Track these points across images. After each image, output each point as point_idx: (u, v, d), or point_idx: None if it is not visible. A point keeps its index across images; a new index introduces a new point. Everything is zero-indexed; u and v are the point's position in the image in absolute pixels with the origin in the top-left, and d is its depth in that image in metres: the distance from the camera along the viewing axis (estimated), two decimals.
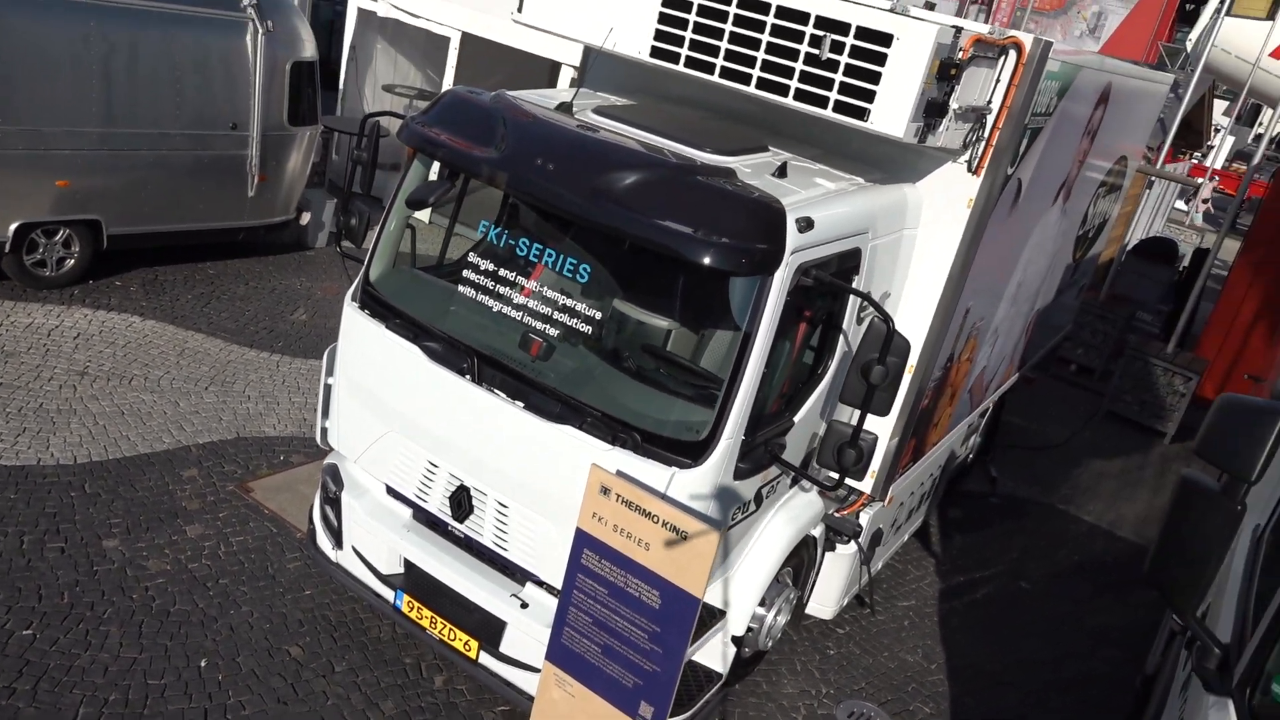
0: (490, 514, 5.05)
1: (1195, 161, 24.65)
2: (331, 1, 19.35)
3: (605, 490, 3.78)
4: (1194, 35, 19.40)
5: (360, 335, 5.39)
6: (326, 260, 11.22)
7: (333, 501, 5.70)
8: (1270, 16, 14.71)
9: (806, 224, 4.59)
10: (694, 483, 4.53)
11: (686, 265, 4.46)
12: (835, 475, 4.82)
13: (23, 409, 7.19)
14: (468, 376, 4.95)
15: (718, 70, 5.17)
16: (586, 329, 4.81)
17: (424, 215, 5.66)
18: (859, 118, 4.86)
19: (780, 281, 4.50)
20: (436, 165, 5.17)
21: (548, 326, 4.87)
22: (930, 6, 6.72)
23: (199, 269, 10.32)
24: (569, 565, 4.08)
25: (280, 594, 5.95)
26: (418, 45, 13.77)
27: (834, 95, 4.88)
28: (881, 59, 4.74)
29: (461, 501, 5.12)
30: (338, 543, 5.72)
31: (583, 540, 3.98)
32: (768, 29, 4.99)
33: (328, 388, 5.67)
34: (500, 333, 5.01)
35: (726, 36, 5.11)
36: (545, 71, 11.67)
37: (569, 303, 4.83)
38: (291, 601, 5.92)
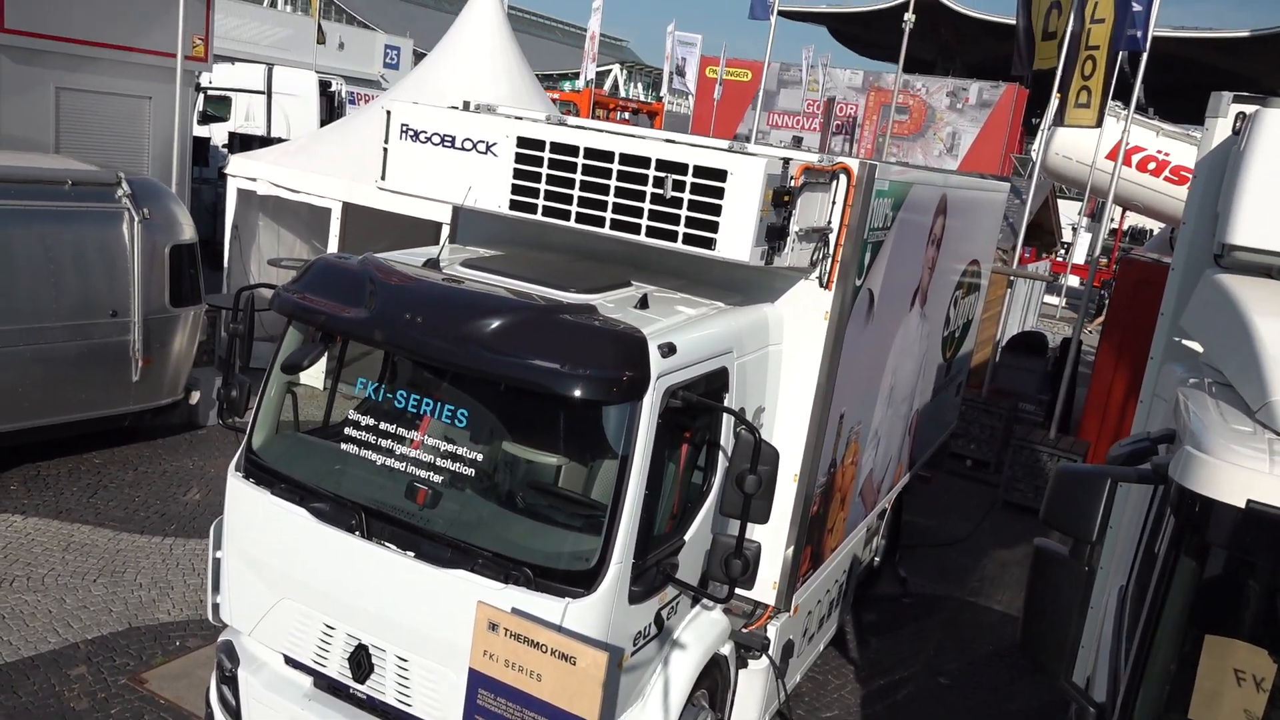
0: (391, 670, 4.98)
1: (1058, 259, 26.39)
2: (212, 184, 19.69)
3: (493, 626, 3.83)
4: (1035, 146, 21.10)
5: (246, 504, 5.38)
6: (219, 437, 11.08)
7: (229, 680, 5.53)
8: (1099, 124, 16.18)
9: (669, 349, 4.85)
10: (588, 611, 4.59)
11: (559, 400, 4.65)
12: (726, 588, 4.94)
13: None
14: (356, 532, 4.98)
15: (573, 216, 5.49)
16: (470, 472, 4.92)
17: (310, 379, 5.74)
18: (707, 247, 5.20)
19: (650, 405, 4.71)
20: (311, 330, 5.31)
21: (432, 474, 4.97)
22: (798, 141, 7.19)
23: (84, 459, 10.08)
24: (465, 707, 4.07)
25: None
26: (300, 218, 14.06)
27: (681, 229, 5.23)
28: (720, 193, 5.12)
29: (361, 661, 5.05)
30: None
31: (477, 680, 3.99)
32: (614, 175, 5.36)
33: (216, 561, 5.59)
34: (386, 486, 5.08)
35: (578, 185, 5.46)
36: (431, 232, 12.02)
37: (450, 448, 4.94)
38: None
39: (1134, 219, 35.97)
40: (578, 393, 4.51)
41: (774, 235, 5.34)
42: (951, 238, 8.71)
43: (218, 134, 23.12)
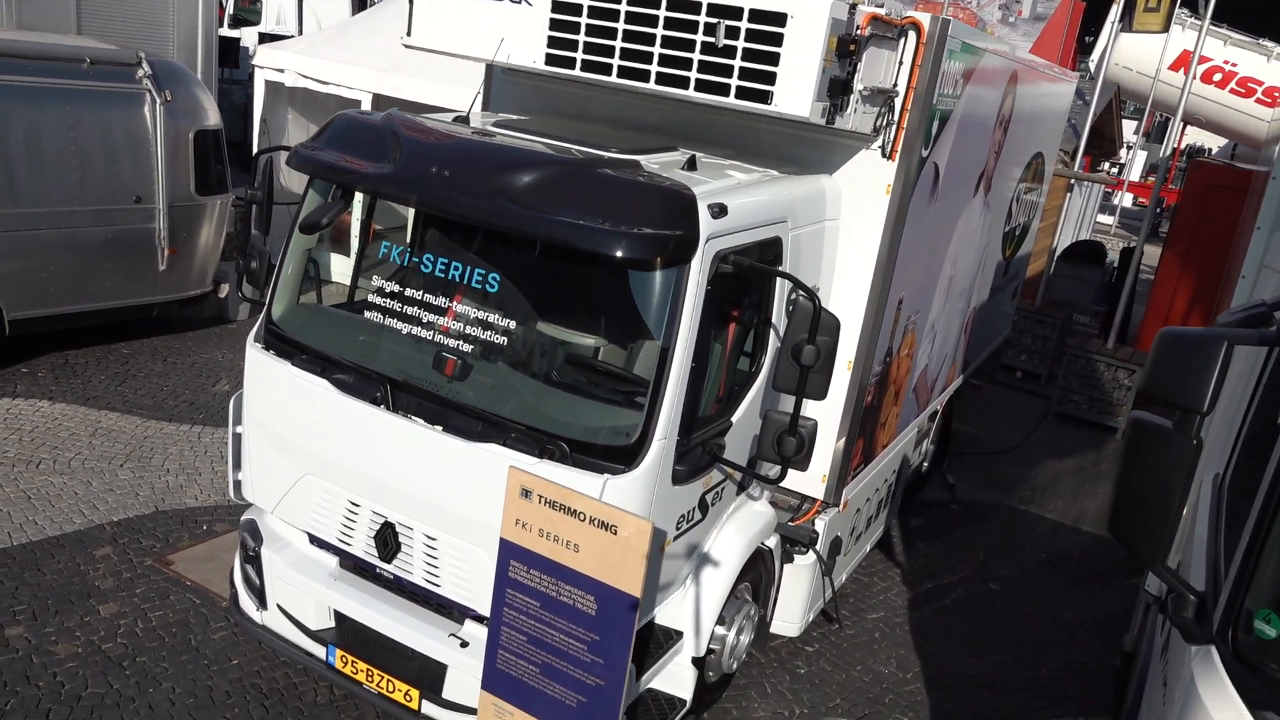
0: (419, 549, 4.71)
1: (1112, 174, 25.30)
2: (242, 85, 19.22)
3: (526, 493, 3.50)
4: (1094, 57, 19.98)
5: (265, 376, 5.07)
6: (250, 330, 10.82)
7: (253, 559, 5.31)
8: (1166, 29, 15.16)
9: (720, 210, 4.41)
10: (629, 488, 4.25)
11: (599, 262, 4.25)
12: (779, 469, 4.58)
13: None
14: (381, 405, 4.66)
15: (615, 71, 5.02)
16: (502, 341, 4.56)
17: (332, 245, 5.38)
18: (762, 101, 4.73)
19: (698, 270, 4.30)
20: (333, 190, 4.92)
21: (461, 343, 4.61)
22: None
23: (112, 349, 9.89)
24: (496, 581, 3.77)
25: (204, 667, 5.51)
26: (329, 111, 13.54)
27: (734, 82, 4.75)
28: (778, 39, 4.63)
29: (387, 540, 4.78)
30: (261, 603, 5.31)
31: (508, 551, 3.68)
32: (661, 23, 4.86)
33: (237, 437, 5.32)
34: (413, 356, 4.74)
35: (620, 35, 4.97)
36: None
37: (481, 315, 4.58)
38: (217, 673, 5.47)
39: (1192, 136, 34.47)
40: (619, 253, 4.10)
41: (837, 90, 4.85)
42: (1019, 122, 8.10)
43: (248, 37, 22.55)
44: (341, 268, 5.44)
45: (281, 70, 12.78)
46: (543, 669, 3.70)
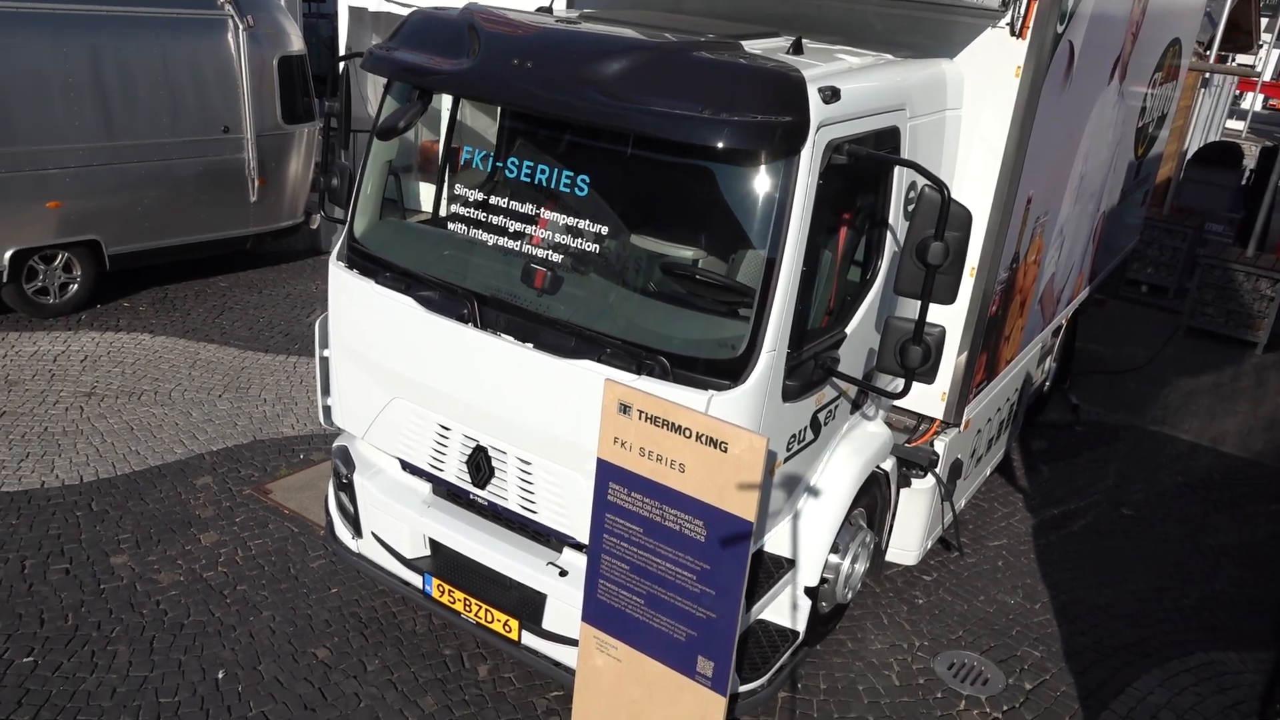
0: (512, 474, 4.46)
1: (1250, 71, 23.35)
2: (329, 19, 19.04)
3: (625, 408, 3.16)
4: None
5: (349, 296, 4.84)
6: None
7: (346, 486, 5.16)
8: None
9: (832, 94, 3.93)
10: (736, 405, 3.89)
11: (698, 156, 3.84)
12: (901, 384, 4.14)
13: (26, 435, 6.78)
14: (468, 322, 4.37)
15: None
16: (594, 250, 4.21)
17: (414, 155, 5.10)
18: None
19: (808, 162, 3.85)
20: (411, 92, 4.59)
21: (550, 253, 4.28)
22: None
23: (209, 283, 9.93)
24: (595, 505, 3.47)
25: (304, 595, 5.42)
26: None
27: None
28: None
29: (480, 465, 4.54)
30: (356, 531, 5.17)
31: (606, 472, 3.36)
32: None
33: (324, 361, 5.13)
34: (500, 269, 4.43)
35: None
36: None
37: (571, 222, 4.23)
38: (316, 602, 5.38)
39: None
40: (721, 143, 3.67)
41: None
42: (1158, 2, 7.27)
43: None
44: (424, 177, 5.15)
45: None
46: (648, 600, 3.41)
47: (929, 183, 3.77)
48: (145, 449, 6.75)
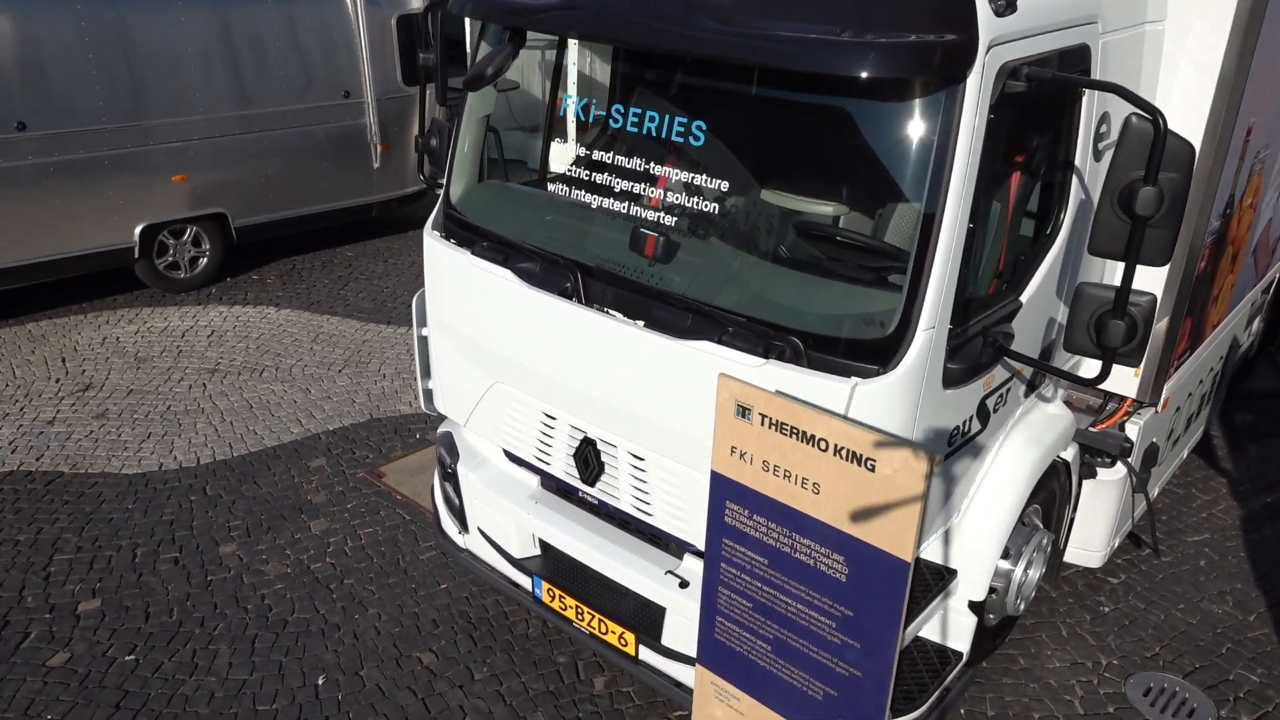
0: (624, 471, 3.90)
1: None
2: None
3: (743, 411, 2.52)
4: None
5: (445, 268, 4.36)
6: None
7: (450, 477, 4.72)
8: None
9: (1006, 4, 3.13)
10: (886, 394, 3.19)
11: (838, 90, 3.13)
12: (1095, 364, 3.33)
13: (150, 414, 6.69)
14: (572, 297, 3.81)
15: None
16: (714, 209, 3.56)
17: (515, 110, 4.56)
18: None
19: (976, 89, 3.08)
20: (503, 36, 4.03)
21: (662, 215, 3.65)
22: None
23: (337, 254, 9.78)
24: (709, 527, 2.86)
25: (412, 591, 5.06)
26: None
27: None
28: None
29: (589, 459, 4.00)
30: (463, 525, 4.75)
31: (722, 488, 2.74)
32: None
33: (423, 341, 4.69)
34: (606, 235, 3.84)
35: None
36: None
37: (686, 177, 3.59)
38: (424, 599, 5.01)
39: None
40: (865, 71, 2.94)
41: None
42: None
43: None
44: (529, 132, 4.60)
45: None
46: (775, 647, 2.79)
47: (1138, 111, 2.93)
48: (262, 428, 6.55)
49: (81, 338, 7.80)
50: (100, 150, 7.83)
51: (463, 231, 4.32)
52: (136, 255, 8.31)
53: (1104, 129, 3.96)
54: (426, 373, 4.74)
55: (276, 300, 8.64)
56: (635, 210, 3.72)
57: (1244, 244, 5.32)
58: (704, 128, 3.52)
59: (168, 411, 6.73)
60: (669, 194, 3.63)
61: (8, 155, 7.42)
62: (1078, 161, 3.80)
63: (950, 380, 3.40)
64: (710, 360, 3.41)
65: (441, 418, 4.87)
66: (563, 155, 3.98)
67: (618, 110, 3.79)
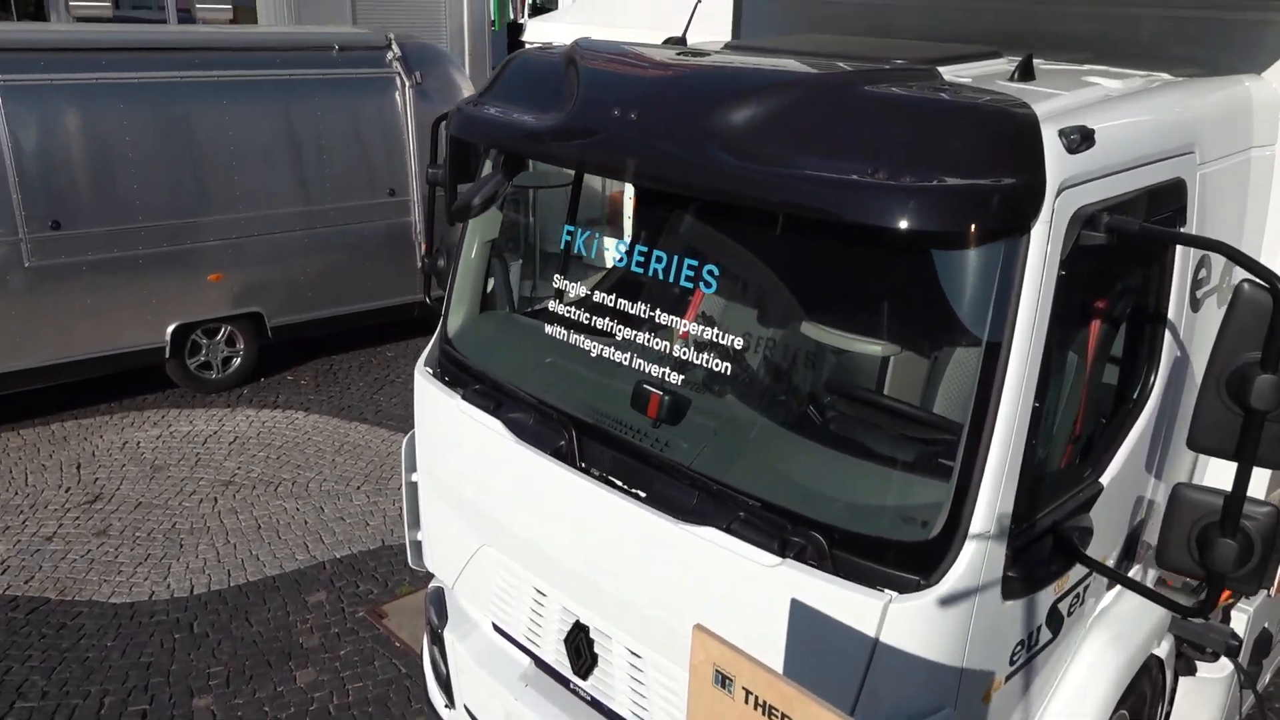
0: (619, 666, 3.29)
1: None
2: None
3: (724, 680, 1.91)
4: None
5: (435, 412, 3.88)
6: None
7: (438, 640, 4.17)
8: None
9: (1081, 138, 2.57)
10: (928, 617, 2.56)
11: (874, 238, 2.57)
12: (1196, 585, 2.66)
13: (153, 532, 6.31)
14: (565, 458, 3.28)
15: None
16: (723, 367, 3.01)
17: (513, 234, 4.13)
18: None
19: (1045, 240, 2.50)
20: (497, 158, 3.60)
21: (668, 370, 3.12)
22: None
23: (376, 353, 9.46)
24: None
25: None
26: None
27: None
28: None
29: (581, 648, 3.41)
30: (449, 699, 4.17)
31: None
32: None
33: (411, 488, 4.19)
34: (609, 387, 3.31)
35: None
36: None
37: (695, 330, 3.06)
38: None
39: None
40: (905, 222, 2.40)
41: None
42: None
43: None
44: (539, 260, 4.15)
45: (550, 44, 11.96)
46: None
47: (1252, 277, 2.31)
48: (266, 553, 6.11)
49: (102, 441, 7.53)
50: (135, 249, 7.67)
51: (456, 370, 3.84)
52: (167, 355, 8.08)
53: (1204, 274, 3.33)
54: (415, 523, 4.22)
55: (307, 404, 8.31)
56: (640, 362, 3.19)
57: None
58: (716, 273, 2.99)
59: (172, 530, 6.34)
60: (678, 346, 3.10)
61: (41, 255, 7.29)
62: (1171, 314, 3.17)
63: (1011, 592, 2.74)
64: (715, 551, 2.83)
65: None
66: (567, 292, 3.49)
67: (620, 245, 3.30)
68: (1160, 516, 3.36)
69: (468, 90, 9.50)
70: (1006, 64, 3.33)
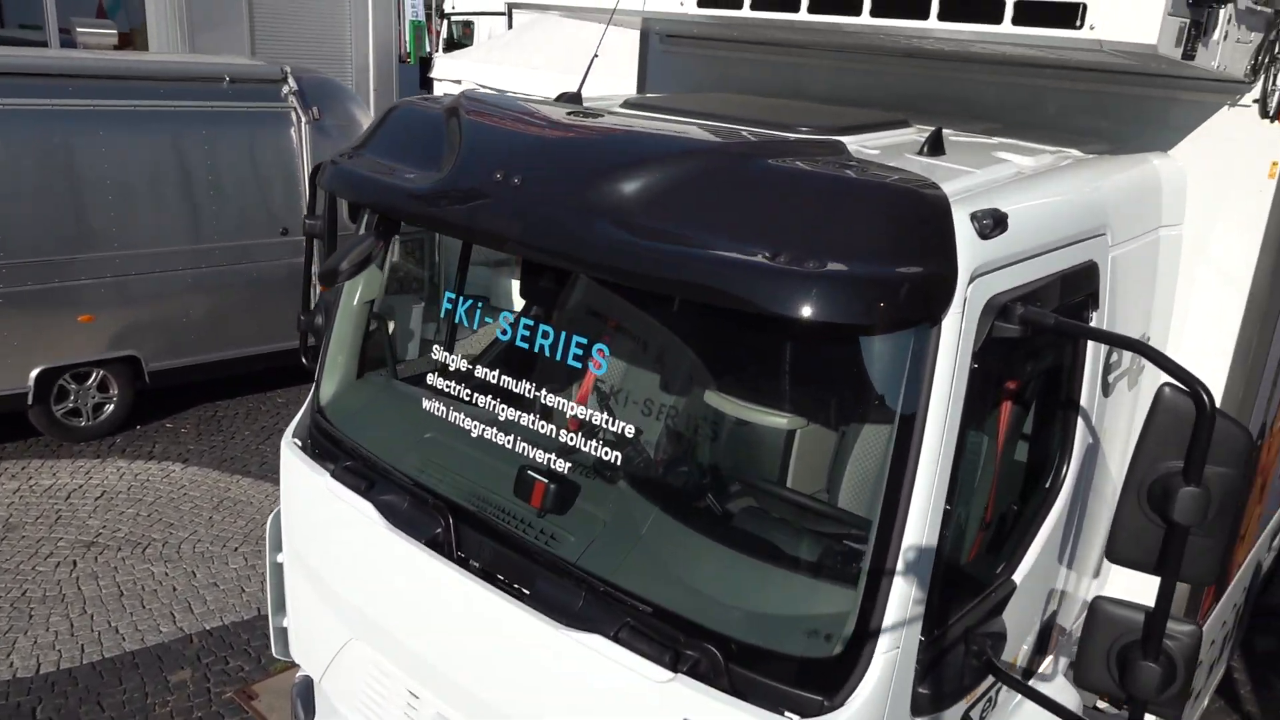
0: None
1: None
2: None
3: None
4: None
5: (302, 489, 3.53)
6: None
7: None
8: None
9: (993, 222, 2.41)
10: None
11: (770, 326, 2.36)
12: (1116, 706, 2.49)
13: (1, 601, 5.74)
14: (441, 549, 2.97)
15: (867, 5, 3.05)
16: (616, 454, 2.75)
17: (406, 326, 3.85)
18: (1068, 25, 2.68)
19: (957, 332, 2.32)
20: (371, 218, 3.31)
21: (554, 455, 2.85)
22: None
23: (265, 399, 8.95)
24: None
25: None
26: None
27: None
28: None
29: None
30: None
31: None
32: None
33: (276, 569, 3.81)
34: (488, 471, 3.03)
35: None
36: None
37: (583, 413, 2.80)
38: None
39: None
40: (807, 310, 2.18)
41: (1201, 3, 2.74)
42: None
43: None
44: (411, 326, 3.85)
45: (458, 81, 11.72)
46: None
47: (1174, 382, 2.16)
48: (128, 625, 5.59)
49: None
50: None
51: (327, 444, 3.51)
52: (30, 401, 7.46)
53: (1115, 358, 3.22)
54: (281, 608, 3.84)
55: (186, 455, 7.77)
56: (524, 446, 2.91)
57: (1272, 471, 4.55)
58: (607, 352, 2.74)
59: (21, 599, 5.77)
60: (561, 428, 2.83)
61: None
62: (1083, 400, 3.03)
63: (921, 709, 2.53)
64: (601, 662, 2.56)
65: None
66: (448, 364, 3.20)
67: (505, 316, 3.03)
68: (1071, 606, 3.23)
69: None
70: (916, 134, 3.20)
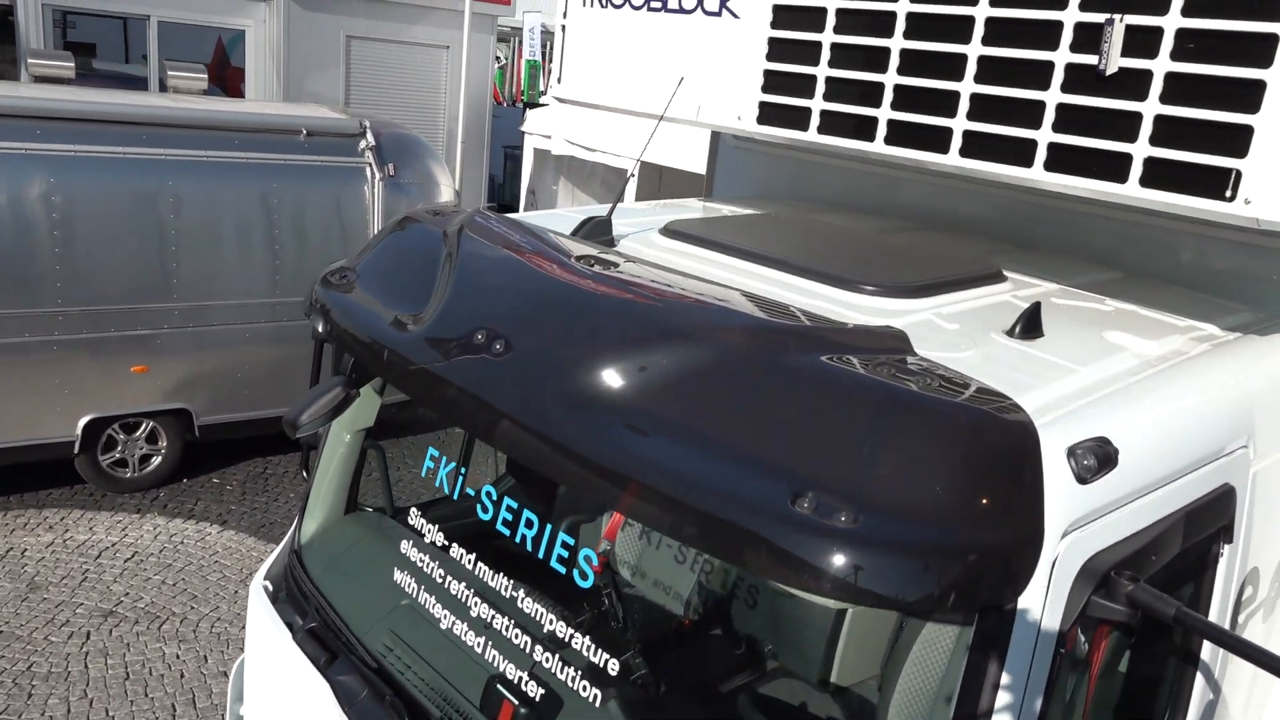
0: None
1: None
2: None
3: None
4: None
5: (267, 642, 3.09)
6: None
7: None
8: None
9: (1097, 462, 1.82)
10: None
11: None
12: None
13: (3, 674, 5.47)
14: None
15: (882, 131, 2.55)
16: (598, 688, 2.22)
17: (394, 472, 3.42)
18: (1215, 195, 2.08)
19: (1037, 610, 1.73)
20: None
21: (527, 674, 2.33)
22: None
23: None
24: None
25: None
26: (599, 181, 12.07)
27: (1145, 150, 2.14)
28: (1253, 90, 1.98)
29: None
30: None
31: None
32: (977, 37, 2.37)
33: None
34: (456, 669, 2.53)
35: (895, 61, 2.52)
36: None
37: (562, 630, 2.28)
38: None
39: None
40: (827, 584, 1.63)
41: None
42: None
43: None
44: (405, 464, 3.40)
45: (548, 136, 11.44)
46: None
47: None
48: (125, 715, 5.25)
49: None
50: (50, 334, 6.96)
51: (298, 594, 3.06)
52: (76, 450, 7.31)
53: (1250, 592, 2.55)
54: None
55: (226, 515, 7.51)
56: (495, 654, 2.40)
57: None
58: (594, 562, 2.22)
59: (26, 673, 5.50)
60: (536, 642, 2.32)
61: None
62: (1205, 656, 2.37)
63: None
64: None
65: None
66: (425, 534, 2.73)
67: (487, 491, 2.53)
68: None
69: (446, 183, 8.90)
70: (1010, 294, 2.61)
